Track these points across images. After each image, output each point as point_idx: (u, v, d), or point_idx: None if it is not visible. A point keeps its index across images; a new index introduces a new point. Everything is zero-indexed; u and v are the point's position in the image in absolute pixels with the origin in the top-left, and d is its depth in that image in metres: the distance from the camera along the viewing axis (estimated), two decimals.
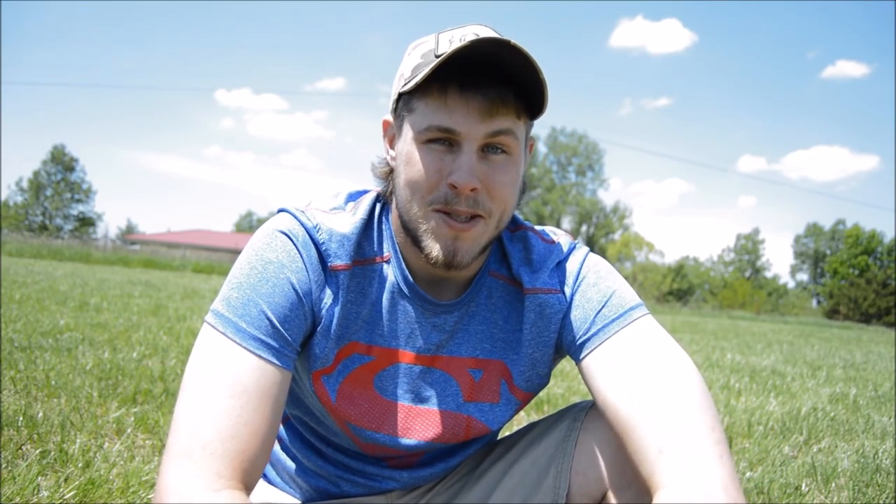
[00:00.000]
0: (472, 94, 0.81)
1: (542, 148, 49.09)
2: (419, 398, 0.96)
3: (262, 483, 1.11)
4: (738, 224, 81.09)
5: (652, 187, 73.52)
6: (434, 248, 0.86)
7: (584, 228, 50.06)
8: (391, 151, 0.94)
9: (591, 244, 48.96)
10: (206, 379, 0.79)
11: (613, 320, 0.90)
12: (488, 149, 0.84)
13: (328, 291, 0.88)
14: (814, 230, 54.30)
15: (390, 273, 0.94)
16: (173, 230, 48.76)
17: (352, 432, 0.96)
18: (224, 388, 0.77)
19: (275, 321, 0.82)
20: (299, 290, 0.85)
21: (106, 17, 76.89)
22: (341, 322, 0.90)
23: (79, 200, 44.82)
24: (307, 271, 0.87)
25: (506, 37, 0.81)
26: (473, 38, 0.82)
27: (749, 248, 53.78)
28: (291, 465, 1.07)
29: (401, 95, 0.88)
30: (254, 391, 0.78)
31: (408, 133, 0.86)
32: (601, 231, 50.75)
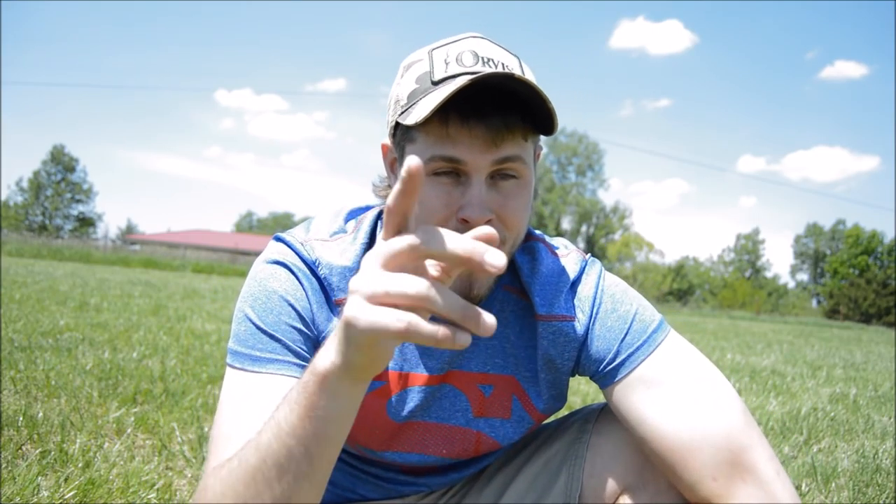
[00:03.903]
0: (475, 124, 0.76)
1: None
2: (429, 415, 0.95)
3: None
4: (738, 224, 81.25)
5: (652, 187, 73.70)
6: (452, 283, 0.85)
7: (583, 228, 50.04)
8: (393, 176, 0.92)
9: (591, 244, 49.00)
10: (232, 411, 0.78)
11: (639, 348, 0.89)
12: (497, 175, 0.81)
13: (335, 323, 0.87)
14: (814, 230, 54.31)
15: None
16: (173, 230, 48.79)
17: (362, 452, 0.96)
18: (250, 411, 0.77)
19: (287, 342, 0.83)
20: (305, 318, 0.85)
21: (106, 17, 76.95)
22: None
23: (79, 201, 44.83)
24: (309, 302, 0.86)
25: (506, 52, 0.82)
26: (470, 55, 0.80)
27: (749, 248, 53.78)
28: None
29: (398, 124, 0.84)
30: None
31: None
32: (601, 231, 50.73)
